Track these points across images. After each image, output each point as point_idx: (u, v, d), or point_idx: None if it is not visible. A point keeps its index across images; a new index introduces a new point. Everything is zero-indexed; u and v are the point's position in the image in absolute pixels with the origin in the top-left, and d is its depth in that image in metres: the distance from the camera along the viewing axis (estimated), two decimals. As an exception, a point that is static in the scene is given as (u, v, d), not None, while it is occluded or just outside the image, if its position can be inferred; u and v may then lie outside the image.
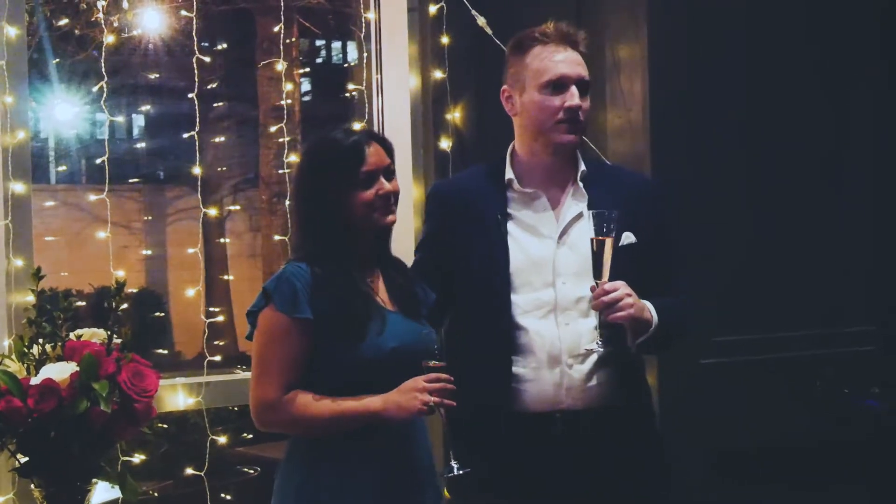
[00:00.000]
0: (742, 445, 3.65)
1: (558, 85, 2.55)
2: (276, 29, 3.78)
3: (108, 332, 2.58)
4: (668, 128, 3.69)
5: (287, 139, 3.62)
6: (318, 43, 13.83)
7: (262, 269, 10.39)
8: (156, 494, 4.85)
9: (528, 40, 2.61)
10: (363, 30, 3.63)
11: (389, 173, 2.40)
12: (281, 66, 3.77)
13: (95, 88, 3.28)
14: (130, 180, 11.80)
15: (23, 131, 2.95)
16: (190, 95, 3.36)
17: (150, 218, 12.55)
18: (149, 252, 12.08)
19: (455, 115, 3.66)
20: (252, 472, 5.47)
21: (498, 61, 2.71)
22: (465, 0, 3.53)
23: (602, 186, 2.62)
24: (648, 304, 2.48)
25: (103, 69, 3.23)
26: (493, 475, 2.46)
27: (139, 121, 13.06)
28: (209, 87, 3.74)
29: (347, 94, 4.09)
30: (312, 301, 2.28)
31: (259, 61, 9.10)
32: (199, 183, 3.38)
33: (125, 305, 2.65)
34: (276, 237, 8.60)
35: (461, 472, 2.30)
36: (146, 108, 11.06)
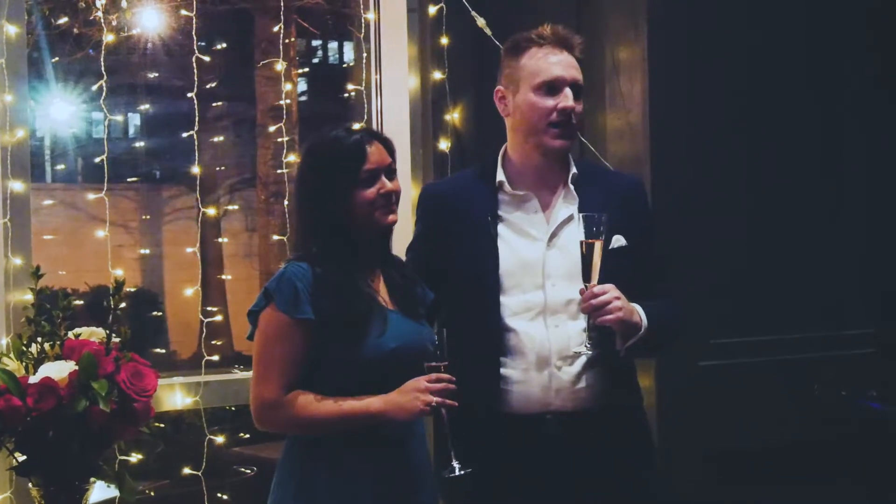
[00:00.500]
0: (741, 447, 3.65)
1: (553, 87, 2.56)
2: (275, 29, 3.77)
3: (107, 332, 2.57)
4: (668, 129, 3.69)
5: (285, 139, 3.61)
6: (316, 43, 13.81)
7: (259, 270, 10.37)
8: (153, 494, 4.85)
9: (525, 42, 2.62)
10: (363, 30, 3.63)
11: (391, 172, 2.40)
12: (280, 66, 3.77)
13: (95, 87, 3.27)
14: (128, 179, 11.78)
15: (22, 130, 2.95)
16: (189, 95, 3.35)
17: (147, 217, 12.53)
18: (145, 251, 12.06)
19: (454, 116, 3.66)
20: (249, 471, 5.45)
21: (497, 62, 2.72)
22: (465, 1, 3.53)
23: (593, 189, 2.63)
24: (638, 308, 2.49)
25: (103, 68, 3.23)
26: (484, 477, 2.45)
27: (135, 120, 13.03)
28: (207, 86, 3.72)
29: (346, 95, 4.09)
30: (314, 301, 2.28)
31: (257, 61, 9.09)
32: (197, 182, 3.38)
33: (124, 304, 2.65)
34: (274, 237, 8.59)
35: (462, 472, 2.30)
36: (143, 107, 11.04)
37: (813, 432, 3.75)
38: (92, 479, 2.54)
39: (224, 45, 9.07)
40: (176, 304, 10.77)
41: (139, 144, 11.94)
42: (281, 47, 3.70)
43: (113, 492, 2.69)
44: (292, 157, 3.50)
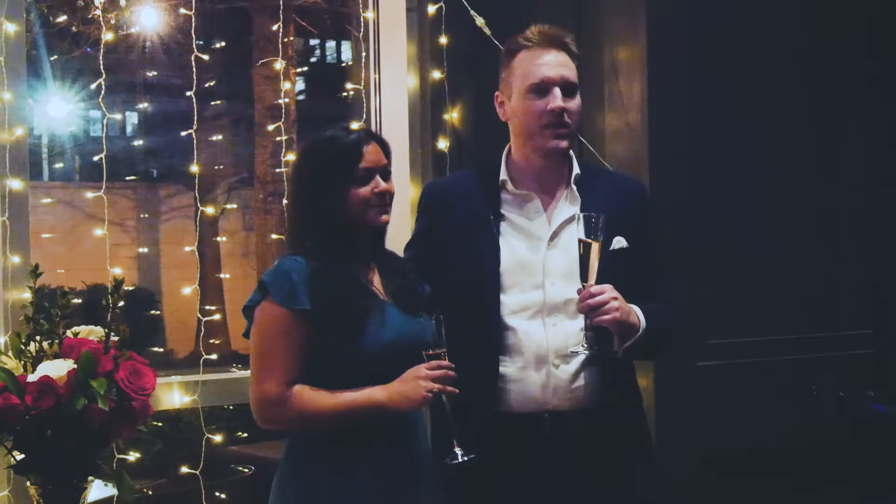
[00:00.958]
0: (738, 447, 3.65)
1: (541, 88, 2.56)
2: (274, 28, 3.76)
3: (106, 330, 2.57)
4: (667, 130, 3.68)
5: (284, 138, 3.61)
6: (315, 42, 13.80)
7: (257, 268, 10.37)
8: (150, 493, 4.85)
9: (514, 46, 2.64)
10: (361, 29, 3.63)
11: (386, 173, 2.42)
12: (279, 64, 3.76)
13: (93, 86, 3.27)
14: (126, 178, 11.77)
15: (21, 128, 2.96)
16: (188, 93, 3.35)
17: (145, 216, 12.52)
18: (142, 250, 12.06)
19: (453, 116, 3.66)
20: (247, 470, 5.46)
21: (496, 62, 2.72)
22: (464, 0, 3.53)
23: (596, 190, 2.64)
24: (636, 309, 2.50)
25: (101, 66, 3.23)
26: (480, 475, 2.45)
27: (133, 118, 13.03)
28: (206, 85, 3.72)
29: (345, 94, 4.08)
30: (310, 293, 2.28)
31: (256, 60, 9.09)
32: (195, 181, 3.38)
33: (122, 303, 2.65)
34: (272, 236, 8.59)
35: (465, 458, 2.30)
36: (141, 105, 11.03)
37: (811, 433, 3.75)
38: (90, 478, 2.54)
39: (223, 43, 9.07)
40: (173, 303, 10.77)
41: (137, 143, 11.93)
42: (280, 46, 3.70)
43: (111, 490, 2.69)
44: (290, 157, 3.50)
